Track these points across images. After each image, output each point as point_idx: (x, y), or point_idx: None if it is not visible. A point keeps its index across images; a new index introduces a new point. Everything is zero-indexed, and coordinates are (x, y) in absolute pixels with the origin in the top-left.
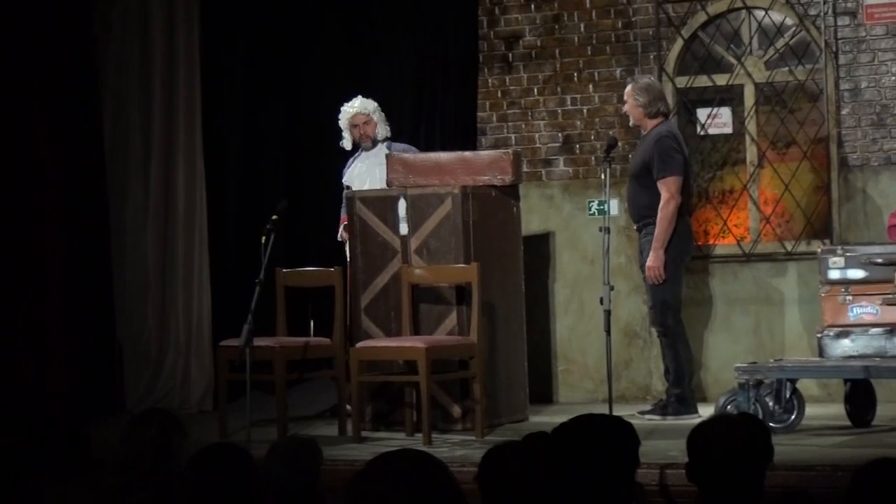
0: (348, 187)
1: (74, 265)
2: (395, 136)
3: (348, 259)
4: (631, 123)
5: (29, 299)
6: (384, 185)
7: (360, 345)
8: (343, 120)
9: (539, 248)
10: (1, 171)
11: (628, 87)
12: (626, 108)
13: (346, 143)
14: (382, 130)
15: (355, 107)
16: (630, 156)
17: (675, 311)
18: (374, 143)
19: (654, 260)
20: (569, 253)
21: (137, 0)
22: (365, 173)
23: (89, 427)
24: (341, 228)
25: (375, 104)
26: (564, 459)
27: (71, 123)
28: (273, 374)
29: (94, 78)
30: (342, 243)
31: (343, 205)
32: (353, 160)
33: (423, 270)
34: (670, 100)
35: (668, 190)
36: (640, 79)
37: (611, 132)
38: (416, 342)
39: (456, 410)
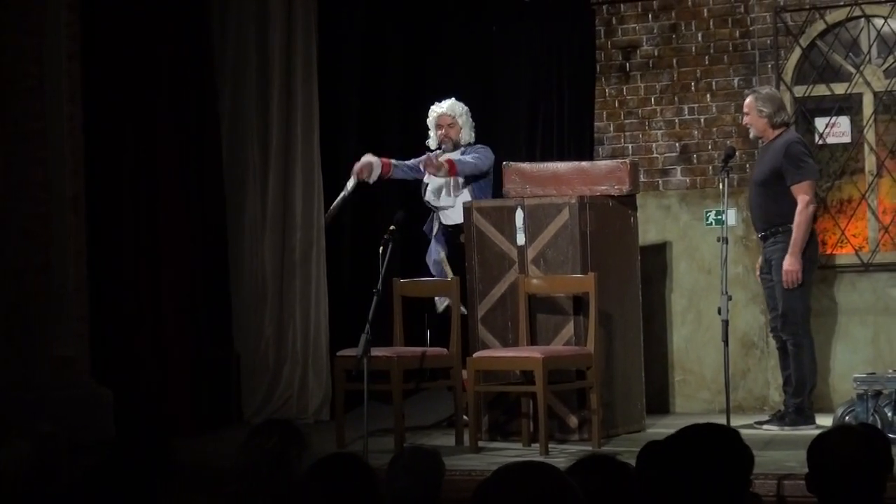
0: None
1: (192, 275)
2: (512, 146)
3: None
4: (752, 136)
5: (147, 309)
6: (456, 203)
7: (476, 355)
8: (431, 118)
9: (656, 258)
10: (121, 181)
11: (749, 99)
12: (747, 120)
13: (432, 142)
14: (466, 136)
15: (443, 107)
16: (748, 165)
17: (805, 320)
18: (456, 146)
19: (792, 263)
20: (686, 263)
21: (255, 8)
22: (440, 192)
23: (175, 439)
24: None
25: (465, 108)
26: (674, 471)
27: (189, 134)
28: (390, 384)
29: (213, 86)
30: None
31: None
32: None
33: (540, 280)
34: (788, 109)
35: (805, 194)
36: (761, 90)
37: (728, 142)
38: (533, 352)
39: (573, 421)
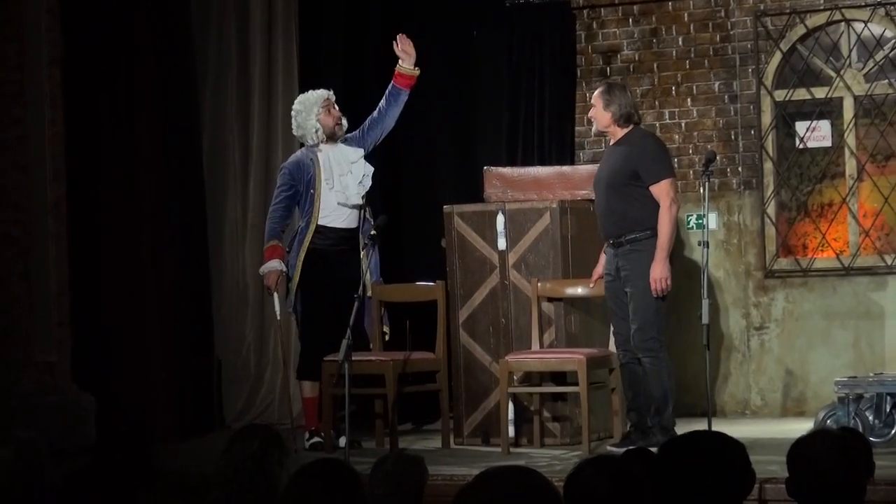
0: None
1: (173, 280)
2: (493, 151)
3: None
4: (594, 130)
5: (129, 315)
6: (363, 183)
7: (510, 357)
8: (315, 104)
9: None
10: (102, 186)
11: (595, 92)
12: (591, 113)
13: (312, 136)
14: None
15: (331, 91)
16: (728, 170)
17: (662, 334)
18: (343, 131)
19: (661, 270)
20: None
21: (236, 13)
22: (346, 173)
23: (157, 445)
24: (273, 268)
25: None
26: (666, 479)
27: (170, 139)
28: (385, 388)
29: (194, 91)
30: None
31: (273, 232)
32: (310, 160)
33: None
34: (769, 113)
35: (668, 193)
36: (611, 82)
37: (709, 146)
38: (575, 354)
39: (555, 425)
